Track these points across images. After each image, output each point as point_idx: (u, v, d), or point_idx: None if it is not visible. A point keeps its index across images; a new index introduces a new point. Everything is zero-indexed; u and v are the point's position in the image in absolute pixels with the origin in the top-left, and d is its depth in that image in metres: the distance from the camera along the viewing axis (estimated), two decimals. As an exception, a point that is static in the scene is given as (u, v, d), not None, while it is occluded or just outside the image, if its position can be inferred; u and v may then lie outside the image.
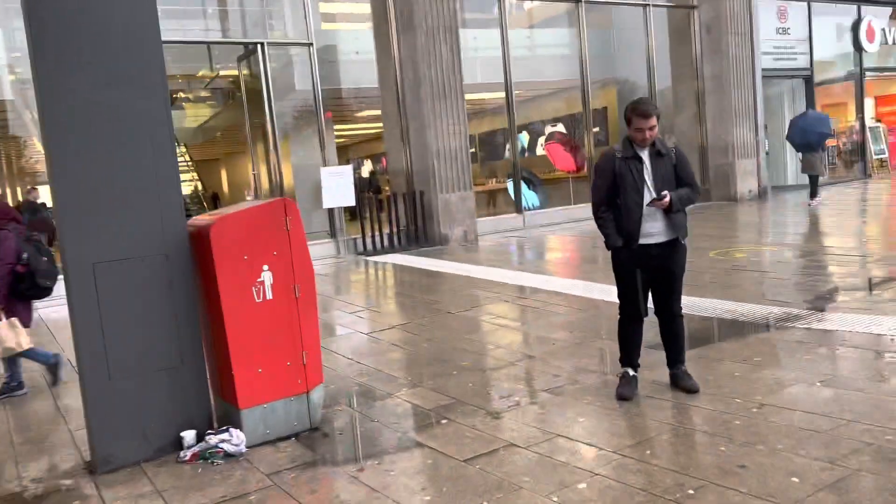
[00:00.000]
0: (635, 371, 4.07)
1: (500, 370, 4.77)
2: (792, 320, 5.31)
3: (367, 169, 26.75)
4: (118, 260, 3.60)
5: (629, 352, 4.06)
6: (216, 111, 22.47)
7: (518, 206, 13.55)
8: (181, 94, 25.97)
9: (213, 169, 28.40)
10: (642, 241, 3.86)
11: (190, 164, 21.68)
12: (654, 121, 3.80)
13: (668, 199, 3.77)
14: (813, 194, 13.08)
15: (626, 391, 3.97)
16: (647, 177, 3.85)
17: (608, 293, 6.75)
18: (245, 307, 3.70)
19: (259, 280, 3.72)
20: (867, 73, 18.75)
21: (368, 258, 11.12)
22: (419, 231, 11.95)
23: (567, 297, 6.93)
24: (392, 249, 11.64)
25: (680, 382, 3.99)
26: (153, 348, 3.71)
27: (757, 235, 10.85)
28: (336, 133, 23.39)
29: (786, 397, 3.81)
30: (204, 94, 24.79)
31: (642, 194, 3.83)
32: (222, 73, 17.75)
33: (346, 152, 26.55)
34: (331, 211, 11.69)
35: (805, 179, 15.62)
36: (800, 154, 13.64)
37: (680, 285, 4.01)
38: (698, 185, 4.00)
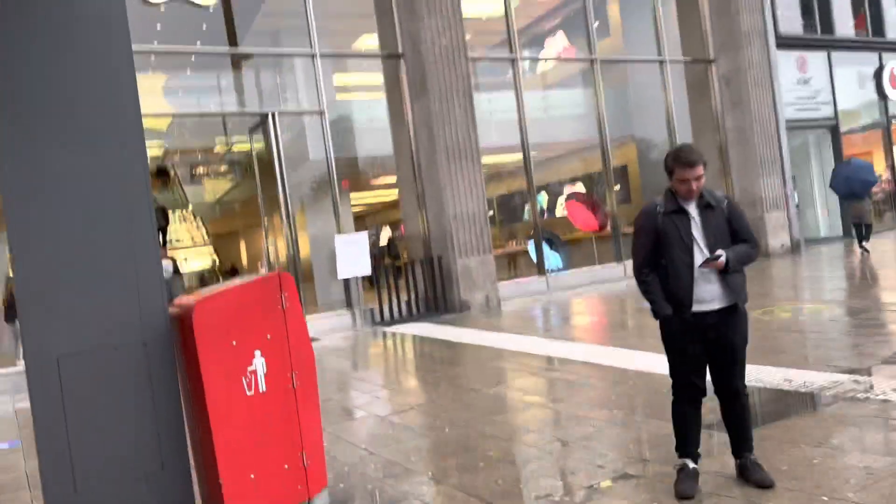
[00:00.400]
0: (695, 462, 3.44)
1: (534, 461, 4.15)
2: (861, 390, 4.65)
3: (385, 236, 26.50)
4: (87, 351, 3.11)
5: (687, 439, 3.45)
6: (234, 184, 22.47)
7: (541, 268, 13.02)
8: (199, 169, 26.20)
9: (231, 242, 28.31)
10: (696, 307, 3.30)
11: (207, 238, 21.52)
12: (700, 170, 3.31)
13: (723, 258, 3.23)
14: (865, 239, 12.92)
15: (686, 488, 3.34)
16: (696, 233, 3.33)
17: (645, 362, 6.15)
18: (234, 401, 3.17)
19: (250, 369, 3.21)
20: (894, 121, 18.28)
21: (386, 328, 10.58)
22: (438, 298, 11.44)
23: (600, 368, 6.31)
24: (411, 318, 11.11)
25: (750, 475, 3.36)
26: (128, 453, 3.17)
27: (798, 292, 10.18)
28: (353, 202, 23.30)
29: (883, 490, 3.16)
30: (221, 167, 24.94)
31: (692, 254, 3.30)
32: (238, 145, 17.73)
33: (363, 221, 26.40)
34: (347, 280, 11.24)
35: (836, 231, 14.98)
36: (846, 201, 13.36)
37: (743, 358, 3.43)
38: (756, 240, 3.46)
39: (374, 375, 7.47)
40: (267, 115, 10.82)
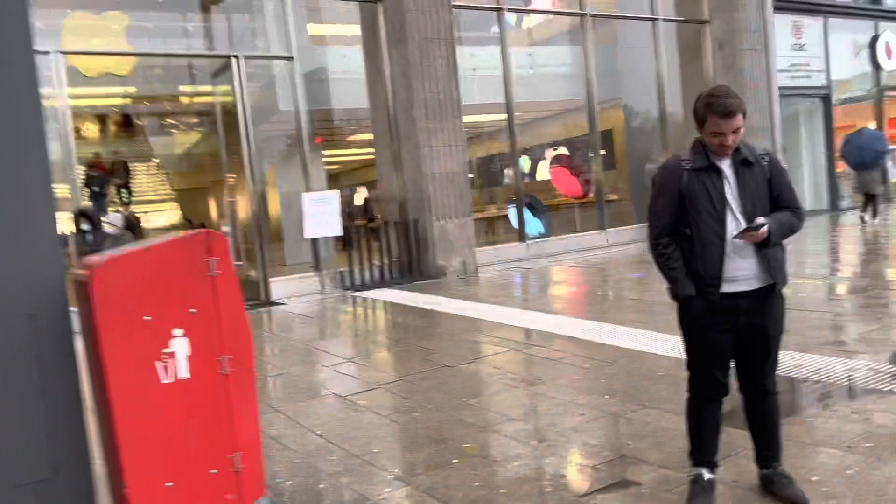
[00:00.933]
0: (712, 472, 2.86)
1: (516, 460, 3.56)
2: (888, 379, 4.12)
3: (361, 196, 25.63)
4: (-47, 324, 2.41)
5: (704, 445, 2.86)
6: (200, 136, 21.44)
7: (521, 235, 12.40)
8: (165, 119, 24.99)
9: (199, 198, 27.29)
10: (726, 288, 2.69)
11: (172, 193, 20.53)
12: (739, 120, 2.67)
13: (765, 228, 2.61)
14: (874, 213, 12.53)
15: (702, 503, 2.77)
16: (729, 196, 2.70)
17: (632, 340, 5.58)
18: (145, 391, 2.50)
19: (167, 350, 2.53)
20: (886, 93, 17.79)
21: (356, 294, 9.92)
22: (413, 263, 10.79)
23: (585, 344, 5.74)
24: (383, 284, 10.45)
25: (780, 490, 2.79)
26: (10, 455, 2.50)
27: (800, 267, 9.69)
28: (328, 160, 22.37)
29: (939, 515, 2.61)
30: (187, 117, 23.78)
31: (725, 222, 2.67)
32: (207, 95, 16.72)
33: (338, 180, 25.50)
34: (314, 242, 10.52)
35: (821, 205, 14.58)
36: (857, 172, 12.86)
37: (777, 351, 2.84)
38: (801, 207, 2.83)
39: (340, 346, 6.84)
40: (230, 59, 9.93)
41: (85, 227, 8.33)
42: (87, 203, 12.76)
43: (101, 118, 26.50)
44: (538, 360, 5.48)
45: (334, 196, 10.17)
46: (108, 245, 8.54)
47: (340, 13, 14.13)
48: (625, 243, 13.12)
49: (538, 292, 9.29)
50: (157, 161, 22.05)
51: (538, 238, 12.85)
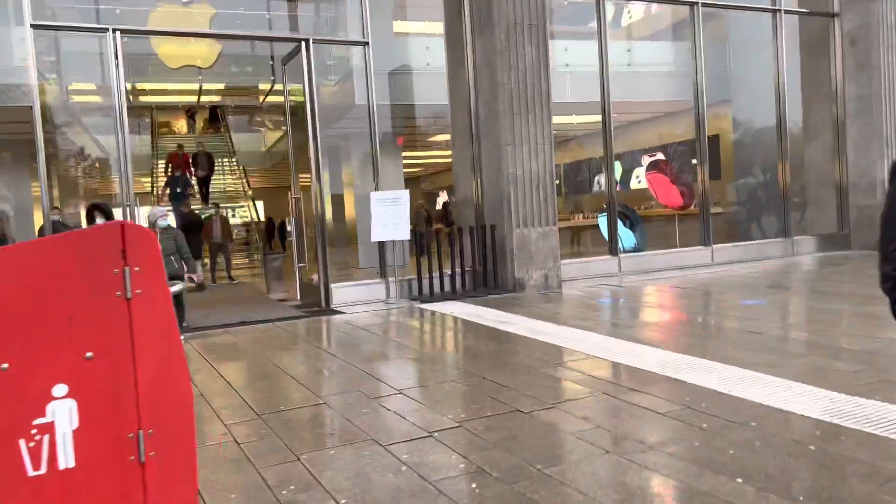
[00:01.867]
0: None
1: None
2: None
3: (441, 200, 24.70)
4: None
5: None
6: (282, 132, 21.04)
7: (612, 248, 11.06)
8: (247, 115, 24.83)
9: (281, 197, 27.14)
10: None
11: (248, 191, 20.16)
12: None
13: None
14: None
15: None
16: None
17: (765, 391, 4.25)
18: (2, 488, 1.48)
19: (40, 422, 1.51)
20: None
21: (424, 306, 8.89)
22: (489, 273, 9.67)
23: (698, 392, 4.45)
24: (454, 295, 9.38)
25: None
26: None
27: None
28: (408, 161, 21.54)
29: None
30: (268, 113, 23.52)
31: None
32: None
33: (418, 184, 24.68)
34: (382, 246, 9.57)
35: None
36: None
37: None
38: None
39: (393, 372, 5.78)
40: (300, 43, 9.10)
41: (99, 221, 7.67)
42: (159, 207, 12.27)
43: (184, 111, 26.76)
44: (637, 411, 4.23)
45: (405, 196, 9.17)
46: None
47: (424, 1, 13.23)
48: (732, 262, 11.56)
49: (633, 316, 7.97)
50: (237, 158, 21.83)
51: (632, 252, 11.48)
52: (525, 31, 9.37)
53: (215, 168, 18.51)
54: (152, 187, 19.62)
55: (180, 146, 17.53)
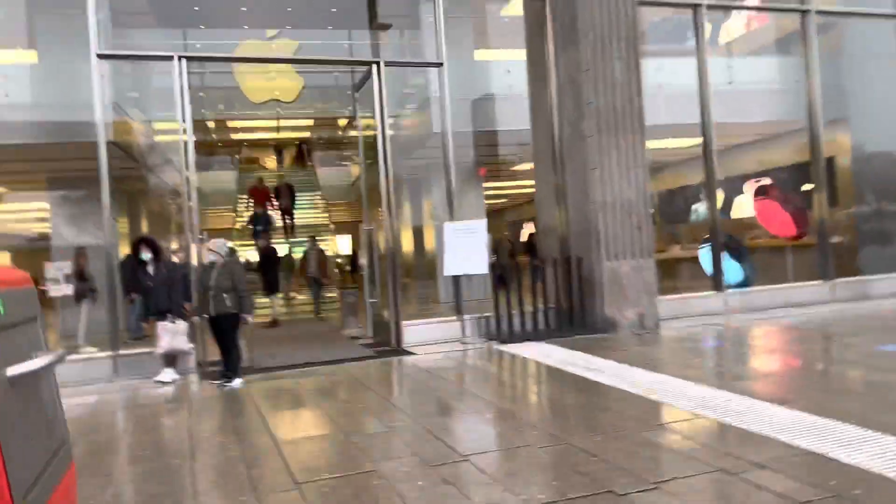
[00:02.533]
0: None
1: None
2: None
3: (527, 232, 23.81)
4: None
5: None
6: (360, 161, 20.86)
7: (716, 283, 9.87)
8: (326, 148, 24.83)
9: (355, 230, 27.02)
10: None
11: (330, 225, 19.94)
12: None
13: None
14: None
15: None
16: None
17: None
18: None
19: None
20: None
21: (503, 347, 8.04)
22: (575, 311, 8.74)
23: (850, 472, 3.40)
24: (536, 335, 8.49)
25: None
26: None
27: None
28: (491, 192, 20.83)
29: None
30: (355, 146, 23.43)
31: None
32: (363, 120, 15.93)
33: (502, 216, 23.91)
34: (457, 280, 8.83)
35: None
36: None
37: None
38: None
39: (460, 430, 4.97)
40: (371, 67, 8.61)
41: (145, 255, 7.26)
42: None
43: (272, 147, 27.18)
44: (768, 499, 3.24)
45: (481, 226, 8.41)
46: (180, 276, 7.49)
47: (503, 23, 12.63)
48: (855, 299, 10.13)
49: (745, 363, 6.84)
50: (322, 193, 21.76)
51: (739, 287, 10.25)
52: (614, 44, 8.54)
53: (297, 201, 18.36)
54: (235, 222, 19.74)
55: (260, 179, 17.51)
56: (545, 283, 8.76)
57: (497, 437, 4.58)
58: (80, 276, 9.60)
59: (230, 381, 6.79)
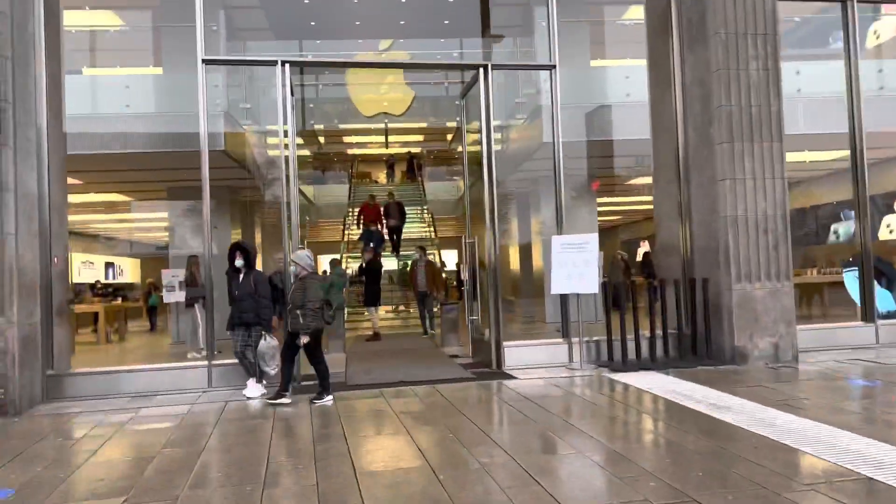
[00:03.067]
0: None
1: None
2: None
3: (642, 251, 22.55)
4: None
5: None
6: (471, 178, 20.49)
7: (867, 312, 8.63)
8: (436, 161, 24.66)
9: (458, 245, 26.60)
10: None
11: (435, 239, 19.64)
12: None
13: None
14: None
15: None
16: None
17: None
18: None
19: None
20: None
21: (615, 376, 7.27)
22: (699, 338, 7.83)
23: None
24: (653, 364, 7.65)
25: None
26: None
27: None
28: (605, 208, 19.87)
29: None
30: (459, 159, 23.16)
31: None
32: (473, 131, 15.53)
33: (616, 233, 22.81)
34: (565, 300, 8.14)
35: None
36: None
37: None
38: None
39: (566, 475, 4.29)
40: (478, 71, 8.12)
41: (238, 262, 7.00)
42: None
43: (384, 161, 27.36)
44: None
45: (593, 241, 7.70)
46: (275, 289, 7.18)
47: (621, 27, 11.85)
48: None
49: (908, 408, 5.74)
50: (429, 207, 21.55)
51: (892, 318, 8.92)
52: (749, 41, 7.63)
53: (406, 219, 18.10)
54: (343, 235, 19.83)
55: (372, 197, 17.41)
56: (664, 305, 7.91)
57: (607, 487, 3.88)
58: (191, 283, 9.70)
59: (321, 398, 6.44)
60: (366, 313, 12.33)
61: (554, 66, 8.22)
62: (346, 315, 13.18)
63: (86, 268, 26.54)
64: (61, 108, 7.57)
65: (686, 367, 7.54)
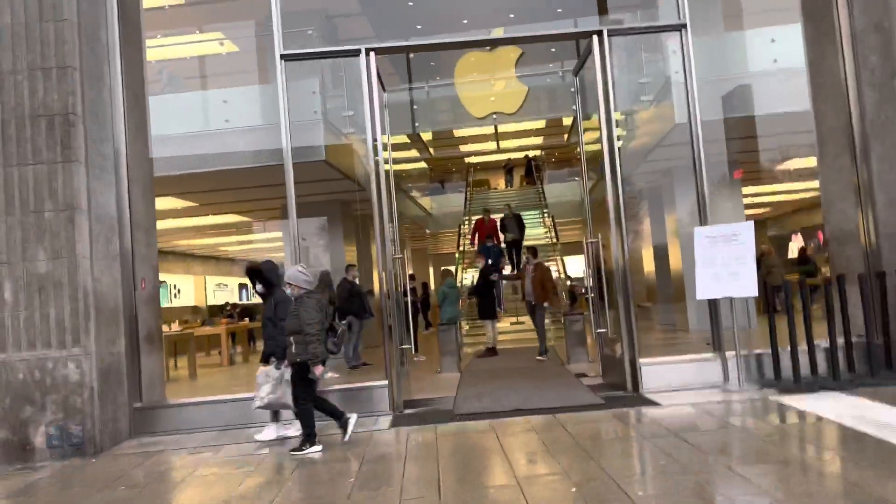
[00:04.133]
0: None
1: None
2: None
3: (796, 245, 20.02)
4: None
5: None
6: (595, 179, 19.02)
7: None
8: (567, 163, 23.30)
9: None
10: None
11: (557, 244, 18.29)
12: None
13: None
14: None
15: None
16: None
17: None
18: None
19: None
20: None
21: (784, 399, 5.78)
22: (891, 347, 6.15)
23: None
24: (835, 383, 6.07)
25: None
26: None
27: None
28: (750, 201, 17.73)
29: None
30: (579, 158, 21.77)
31: None
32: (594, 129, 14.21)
33: (761, 229, 20.42)
34: (715, 305, 6.71)
35: None
36: None
37: None
38: None
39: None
40: (592, 39, 6.89)
41: (258, 289, 6.07)
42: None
43: (502, 167, 26.31)
44: None
45: (747, 231, 6.23)
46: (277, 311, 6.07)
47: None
48: None
49: None
50: (549, 211, 20.27)
51: None
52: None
53: (524, 227, 16.87)
54: (458, 246, 18.95)
55: (486, 211, 16.35)
56: (845, 307, 6.29)
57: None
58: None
59: (301, 450, 5.26)
60: (487, 326, 11.29)
61: (684, 26, 6.85)
62: (460, 329, 12.23)
63: (220, 290, 27.46)
64: (145, 122, 7.14)
65: (880, 384, 5.91)
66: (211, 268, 25.78)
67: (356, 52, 6.77)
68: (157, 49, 10.91)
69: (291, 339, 5.26)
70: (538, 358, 9.99)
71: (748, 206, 16.42)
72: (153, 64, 10.62)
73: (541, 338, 10.24)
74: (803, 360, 6.28)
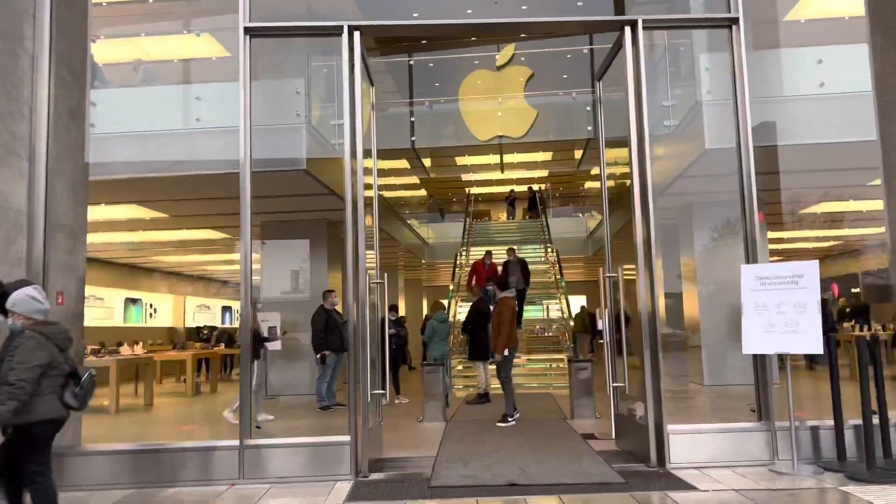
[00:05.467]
0: None
1: None
2: None
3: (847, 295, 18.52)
4: None
5: None
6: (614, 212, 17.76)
7: None
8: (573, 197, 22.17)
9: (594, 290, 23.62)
10: None
11: (561, 282, 16.97)
12: None
13: None
14: None
15: None
16: None
17: None
18: None
19: None
20: None
21: (855, 489, 4.45)
22: None
23: None
24: (919, 472, 4.74)
25: None
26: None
27: None
28: (776, 247, 16.33)
29: None
30: (593, 194, 20.58)
31: None
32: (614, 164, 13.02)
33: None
34: (760, 362, 5.40)
35: None
36: None
37: None
38: None
39: None
40: (622, 33, 5.71)
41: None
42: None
43: (504, 199, 25.15)
44: None
45: (810, 273, 4.96)
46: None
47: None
48: None
49: None
50: (553, 246, 18.98)
51: None
52: None
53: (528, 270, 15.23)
54: (453, 276, 17.62)
55: (488, 253, 14.86)
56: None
57: None
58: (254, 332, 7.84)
59: None
60: (477, 369, 9.91)
61: (735, 21, 5.66)
62: (449, 370, 10.87)
63: (200, 311, 26.01)
64: (83, 107, 5.93)
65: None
66: (200, 289, 24.53)
67: (338, 30, 5.56)
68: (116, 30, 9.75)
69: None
70: (499, 424, 7.70)
71: (773, 252, 15.15)
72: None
73: (505, 394, 8.00)
74: (878, 436, 4.97)
